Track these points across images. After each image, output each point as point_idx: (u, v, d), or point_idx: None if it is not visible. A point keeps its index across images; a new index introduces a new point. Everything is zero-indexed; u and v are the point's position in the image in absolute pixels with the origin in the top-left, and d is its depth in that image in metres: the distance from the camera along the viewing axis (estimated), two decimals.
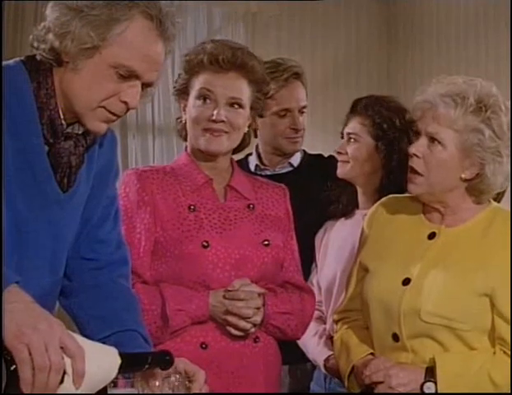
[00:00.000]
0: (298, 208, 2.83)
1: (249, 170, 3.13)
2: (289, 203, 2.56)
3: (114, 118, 1.82)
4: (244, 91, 2.40)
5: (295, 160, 3.21)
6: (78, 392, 1.58)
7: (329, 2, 6.25)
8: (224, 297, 2.32)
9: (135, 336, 1.90)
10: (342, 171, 2.84)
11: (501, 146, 2.16)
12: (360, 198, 2.87)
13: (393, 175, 2.71)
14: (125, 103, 1.80)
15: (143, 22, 1.77)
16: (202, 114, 2.38)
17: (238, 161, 3.23)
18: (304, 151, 3.25)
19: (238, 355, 2.37)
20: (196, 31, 5.74)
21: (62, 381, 1.56)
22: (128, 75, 1.77)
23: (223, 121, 2.36)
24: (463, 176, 2.20)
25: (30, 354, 1.51)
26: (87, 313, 1.97)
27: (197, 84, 2.40)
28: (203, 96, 2.39)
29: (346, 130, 2.83)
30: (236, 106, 2.39)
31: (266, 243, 2.42)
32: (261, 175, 3.06)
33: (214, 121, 2.36)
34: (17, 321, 1.52)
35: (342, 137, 2.87)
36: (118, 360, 1.67)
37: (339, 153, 2.83)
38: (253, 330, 2.36)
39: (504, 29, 5.62)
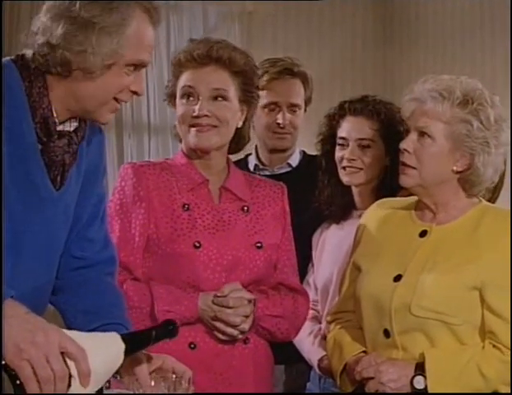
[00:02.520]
0: (296, 208, 2.83)
1: (248, 170, 3.13)
2: (287, 202, 2.53)
3: (119, 106, 1.87)
4: (227, 83, 2.37)
5: (294, 160, 3.22)
6: (88, 390, 1.59)
7: (325, 2, 6.25)
8: (213, 302, 2.31)
9: (120, 329, 1.90)
10: (351, 179, 2.78)
11: (489, 137, 2.21)
12: (357, 199, 2.85)
13: (393, 177, 2.68)
14: (135, 92, 1.85)
15: (142, 16, 1.81)
16: (186, 112, 2.37)
17: (237, 161, 3.24)
18: (303, 151, 3.25)
19: (227, 355, 2.35)
20: (191, 31, 5.74)
21: (69, 384, 1.57)
22: (137, 67, 1.82)
23: (206, 115, 2.35)
24: (454, 168, 2.24)
25: (33, 368, 1.52)
26: (74, 307, 1.97)
27: (181, 83, 2.40)
28: (186, 94, 2.38)
29: (357, 135, 2.76)
30: (220, 99, 2.36)
31: (259, 245, 2.40)
32: (259, 175, 3.06)
33: (197, 116, 2.35)
34: (14, 338, 1.53)
35: (333, 141, 2.84)
36: (122, 346, 1.66)
37: (352, 160, 2.76)
38: (240, 336, 2.35)
39: (500, 28, 5.62)
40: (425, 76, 2.28)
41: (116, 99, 1.84)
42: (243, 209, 2.43)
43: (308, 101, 3.19)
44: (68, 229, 1.95)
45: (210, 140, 2.37)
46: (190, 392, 1.88)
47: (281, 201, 2.52)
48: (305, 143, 3.25)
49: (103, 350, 1.64)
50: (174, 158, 2.50)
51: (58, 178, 1.85)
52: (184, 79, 2.38)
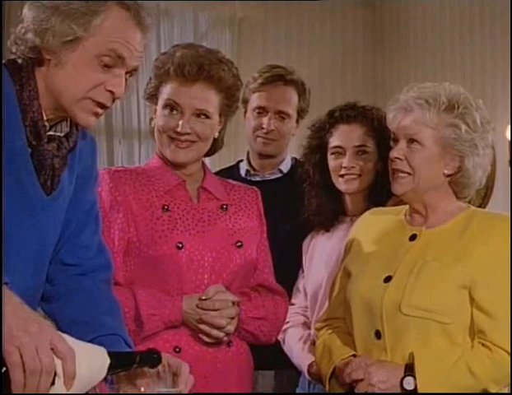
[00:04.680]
0: (286, 214, 2.84)
1: (239, 176, 3.15)
2: (261, 205, 2.55)
3: (101, 110, 1.84)
4: (212, 102, 2.38)
5: (286, 166, 3.23)
6: (69, 393, 1.58)
7: (315, 8, 6.26)
8: (197, 305, 2.30)
9: (117, 340, 1.90)
10: (350, 186, 2.77)
11: (477, 139, 2.26)
12: (349, 204, 2.84)
13: (384, 181, 2.68)
14: (111, 92, 1.82)
15: (120, 12, 1.81)
16: (167, 124, 2.38)
17: (229, 167, 3.26)
18: (295, 158, 3.26)
19: (211, 359, 2.35)
20: (182, 38, 5.75)
21: (53, 383, 1.56)
22: (113, 63, 1.80)
23: (188, 133, 2.36)
24: (445, 172, 2.29)
25: (21, 356, 1.51)
26: (69, 317, 1.96)
27: (165, 93, 2.40)
28: (170, 106, 2.38)
29: (354, 143, 2.75)
30: (203, 117, 2.37)
31: (239, 244, 2.41)
32: (251, 181, 3.08)
33: (179, 133, 2.36)
34: (7, 324, 1.52)
35: (322, 151, 2.84)
36: (108, 360, 1.67)
37: (351, 167, 2.75)
38: (225, 338, 2.35)
39: (489, 34, 5.65)
40: (408, 85, 2.33)
41: (92, 100, 1.81)
42: (222, 207, 2.45)
43: (301, 112, 3.19)
44: (59, 234, 1.95)
45: (187, 156, 2.39)
46: (191, 382, 1.88)
47: (255, 204, 2.54)
48: (297, 150, 3.26)
49: (89, 359, 1.64)
50: (148, 163, 2.51)
51: (49, 183, 1.85)
52: (170, 91, 2.38)
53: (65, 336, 1.63)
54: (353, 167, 2.76)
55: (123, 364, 1.73)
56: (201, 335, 2.33)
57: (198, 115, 2.37)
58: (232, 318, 2.34)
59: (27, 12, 1.80)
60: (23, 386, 1.51)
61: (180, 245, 2.33)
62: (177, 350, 2.32)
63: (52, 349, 1.55)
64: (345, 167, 2.76)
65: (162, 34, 5.82)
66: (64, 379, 1.57)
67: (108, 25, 1.78)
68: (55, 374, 1.56)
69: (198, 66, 2.36)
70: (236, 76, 2.44)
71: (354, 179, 2.77)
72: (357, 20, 6.49)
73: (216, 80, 2.37)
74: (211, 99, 2.38)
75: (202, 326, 2.31)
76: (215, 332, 2.32)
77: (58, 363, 1.56)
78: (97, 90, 1.80)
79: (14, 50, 1.81)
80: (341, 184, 2.79)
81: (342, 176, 2.78)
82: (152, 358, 1.76)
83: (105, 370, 1.67)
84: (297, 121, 3.20)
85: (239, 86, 2.46)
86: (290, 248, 2.82)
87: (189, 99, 2.36)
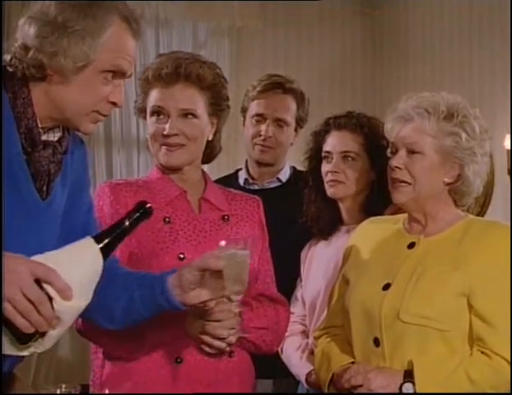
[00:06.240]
0: (285, 223, 2.83)
1: (238, 185, 3.15)
2: (263, 215, 2.54)
3: (103, 118, 1.88)
4: (196, 101, 2.37)
5: (284, 175, 3.23)
6: (77, 302, 1.65)
7: (313, 16, 6.27)
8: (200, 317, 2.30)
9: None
10: (335, 191, 2.80)
11: (476, 147, 2.28)
12: (344, 214, 2.86)
13: (380, 191, 2.69)
14: (113, 103, 1.86)
15: (121, 24, 1.84)
16: (156, 130, 2.38)
17: (228, 176, 3.25)
18: (293, 167, 3.26)
19: (213, 369, 2.34)
20: (181, 47, 5.74)
21: (53, 306, 1.62)
22: (114, 76, 1.83)
23: (176, 134, 2.35)
24: (445, 180, 2.30)
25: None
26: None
27: (151, 101, 2.40)
28: (156, 113, 2.38)
29: (341, 148, 2.79)
30: (190, 116, 2.36)
31: None
32: (249, 189, 3.07)
33: (167, 135, 2.36)
34: None
35: (319, 157, 2.85)
36: (97, 246, 1.70)
37: (335, 172, 2.79)
38: (228, 349, 2.34)
39: (488, 42, 5.65)
40: (406, 95, 2.34)
41: (98, 113, 1.85)
42: (223, 218, 2.44)
43: (300, 121, 3.20)
44: (56, 237, 1.94)
45: (179, 158, 2.38)
46: None
47: (257, 213, 2.53)
48: (294, 158, 3.26)
49: (80, 260, 1.68)
50: (149, 175, 2.51)
51: (44, 188, 1.86)
52: (153, 98, 2.39)
53: (47, 253, 1.68)
54: (337, 172, 2.78)
55: (115, 237, 1.73)
56: (203, 346, 2.31)
57: (185, 116, 2.36)
58: (234, 329, 2.33)
59: (27, 28, 1.79)
60: (30, 325, 1.61)
61: (182, 256, 2.32)
62: (178, 360, 2.30)
63: (35, 280, 1.60)
64: (330, 172, 2.78)
65: (161, 44, 5.81)
66: (61, 296, 1.62)
67: (112, 41, 1.81)
68: (51, 298, 1.62)
69: (175, 66, 2.35)
70: (219, 75, 2.42)
71: (338, 184, 2.79)
72: (356, 28, 6.49)
73: (195, 77, 2.36)
74: (194, 99, 2.37)
75: (203, 337, 2.30)
76: (217, 343, 2.29)
77: (48, 287, 1.62)
78: (102, 104, 1.84)
79: (8, 61, 1.81)
80: (328, 189, 2.81)
81: (328, 181, 2.80)
82: (142, 213, 1.77)
83: (101, 257, 1.70)
84: (296, 130, 3.20)
85: (224, 84, 2.44)
86: (288, 257, 2.81)
87: (172, 101, 2.36)
